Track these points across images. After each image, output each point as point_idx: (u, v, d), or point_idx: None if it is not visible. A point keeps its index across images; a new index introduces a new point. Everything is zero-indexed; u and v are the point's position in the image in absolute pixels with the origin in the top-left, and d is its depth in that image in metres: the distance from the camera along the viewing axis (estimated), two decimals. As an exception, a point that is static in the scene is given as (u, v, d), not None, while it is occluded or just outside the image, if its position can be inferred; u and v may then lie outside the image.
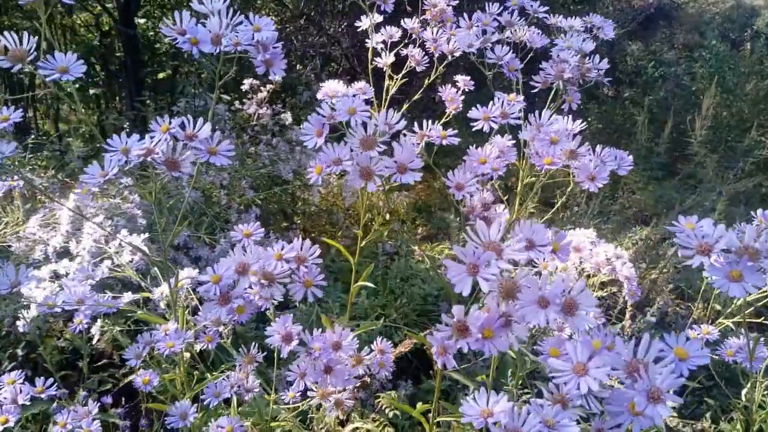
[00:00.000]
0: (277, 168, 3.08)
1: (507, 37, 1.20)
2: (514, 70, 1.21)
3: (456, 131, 1.15)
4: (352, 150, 1.00)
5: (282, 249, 1.03)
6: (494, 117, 1.13)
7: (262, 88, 3.44)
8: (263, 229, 1.14)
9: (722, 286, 0.78)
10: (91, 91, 6.59)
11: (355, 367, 1.13)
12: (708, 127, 4.35)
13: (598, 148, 1.06)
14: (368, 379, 1.72)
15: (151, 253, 2.42)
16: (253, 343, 1.32)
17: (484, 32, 1.21)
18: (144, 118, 4.21)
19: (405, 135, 1.11)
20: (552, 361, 0.79)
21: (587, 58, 1.15)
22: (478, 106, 1.14)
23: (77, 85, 6.52)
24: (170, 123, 0.97)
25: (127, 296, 1.32)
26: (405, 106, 1.36)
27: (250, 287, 1.02)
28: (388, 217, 4.66)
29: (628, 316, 1.79)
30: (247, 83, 3.44)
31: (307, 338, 1.06)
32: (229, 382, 1.31)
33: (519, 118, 1.13)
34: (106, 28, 6.50)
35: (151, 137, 0.97)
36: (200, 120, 0.99)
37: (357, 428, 1.69)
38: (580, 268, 1.27)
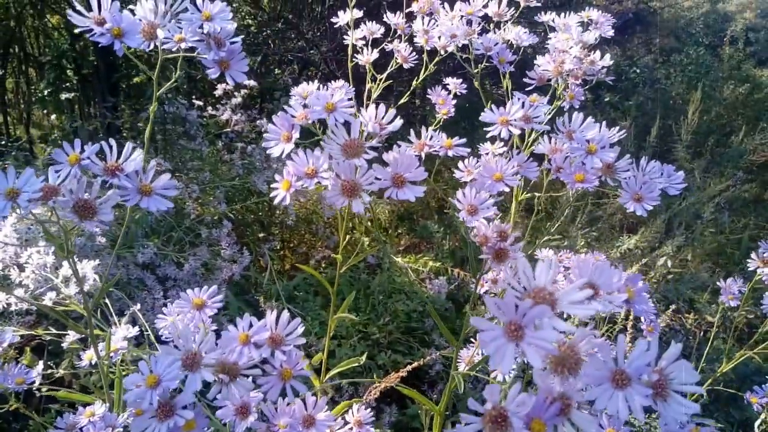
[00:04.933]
0: (251, 179, 2.93)
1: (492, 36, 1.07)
2: (505, 63, 1.06)
3: (464, 140, 0.96)
4: (331, 157, 0.78)
5: (249, 327, 0.77)
6: (514, 120, 0.93)
7: (236, 93, 3.28)
8: (221, 298, 0.92)
9: None
10: (63, 96, 6.38)
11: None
12: (692, 132, 4.30)
13: (642, 160, 0.91)
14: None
15: (102, 281, 2.25)
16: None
17: (469, 23, 1.06)
18: (110, 125, 4.03)
19: (399, 145, 0.90)
20: None
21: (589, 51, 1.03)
22: (493, 107, 0.95)
23: (49, 90, 6.32)
24: (82, 150, 0.72)
25: (72, 336, 1.17)
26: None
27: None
28: (369, 225, 4.47)
29: (628, 338, 1.69)
30: (220, 88, 3.28)
31: (269, 411, 0.82)
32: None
33: (545, 123, 0.94)
34: (78, 31, 6.28)
35: (56, 171, 0.71)
36: (128, 145, 0.76)
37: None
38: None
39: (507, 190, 0.90)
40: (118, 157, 0.75)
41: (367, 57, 1.15)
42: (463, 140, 0.94)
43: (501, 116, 0.94)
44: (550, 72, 1.02)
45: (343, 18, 1.17)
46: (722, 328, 3.15)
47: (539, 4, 1.10)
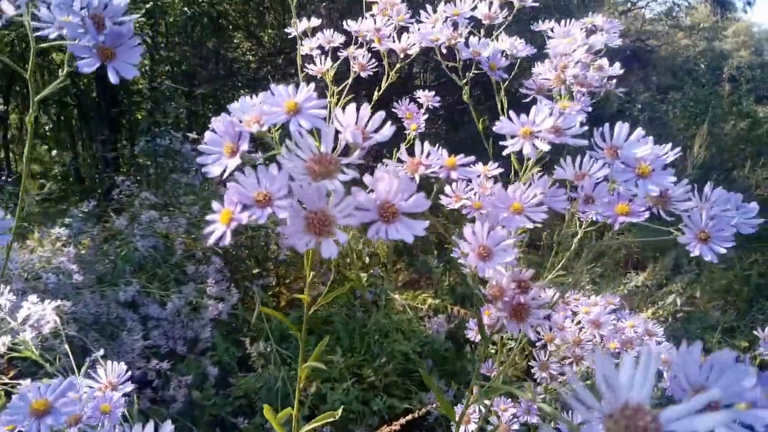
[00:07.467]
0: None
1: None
2: (497, 70, 0.89)
3: (472, 157, 0.73)
4: (291, 178, 0.56)
5: None
6: (540, 133, 0.68)
7: (231, 126, 3.23)
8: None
9: None
10: (61, 134, 6.43)
11: None
12: (696, 167, 4.24)
13: (707, 187, 0.67)
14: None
15: (82, 324, 2.13)
16: None
17: (455, 26, 0.92)
18: (105, 159, 3.98)
19: (384, 164, 0.63)
20: None
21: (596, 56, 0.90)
22: (511, 115, 0.70)
23: (50, 126, 6.34)
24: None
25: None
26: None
27: None
28: (367, 260, 4.33)
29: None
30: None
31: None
32: None
33: (581, 137, 0.69)
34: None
35: None
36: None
37: None
38: (600, 344, 1.04)
39: (529, 225, 0.69)
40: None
41: (319, 67, 1.04)
42: (471, 158, 0.72)
43: (523, 126, 0.69)
44: (550, 80, 0.87)
45: (300, 26, 1.05)
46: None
47: (536, 4, 0.98)
